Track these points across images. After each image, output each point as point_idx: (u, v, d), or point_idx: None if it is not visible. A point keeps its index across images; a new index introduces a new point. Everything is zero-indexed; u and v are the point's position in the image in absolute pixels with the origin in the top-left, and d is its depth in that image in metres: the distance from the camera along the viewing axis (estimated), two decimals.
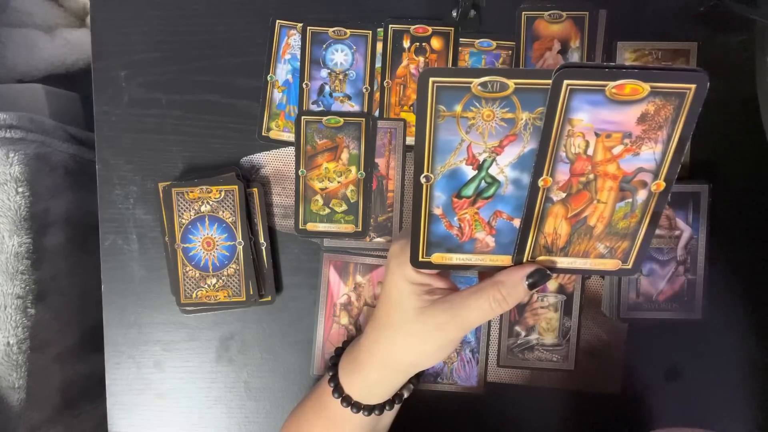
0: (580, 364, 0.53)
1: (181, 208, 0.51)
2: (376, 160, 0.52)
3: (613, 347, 0.53)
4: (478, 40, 0.52)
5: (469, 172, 0.33)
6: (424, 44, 0.52)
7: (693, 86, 0.29)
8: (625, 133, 0.30)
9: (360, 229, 0.52)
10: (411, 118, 0.52)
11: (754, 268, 0.52)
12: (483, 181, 0.33)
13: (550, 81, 0.29)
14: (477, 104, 0.30)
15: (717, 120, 0.50)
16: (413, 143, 0.52)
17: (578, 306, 0.52)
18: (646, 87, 0.29)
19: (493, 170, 0.33)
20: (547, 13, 0.50)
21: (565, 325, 0.52)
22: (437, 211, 0.34)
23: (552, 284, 0.52)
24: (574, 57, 0.51)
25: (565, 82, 0.28)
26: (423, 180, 0.33)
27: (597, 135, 0.30)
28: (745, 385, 0.53)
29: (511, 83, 0.29)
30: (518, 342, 0.53)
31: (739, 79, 0.50)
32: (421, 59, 0.52)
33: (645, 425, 0.53)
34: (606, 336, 0.53)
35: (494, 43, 0.51)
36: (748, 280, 0.52)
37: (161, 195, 0.52)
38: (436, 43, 0.52)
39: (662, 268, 0.51)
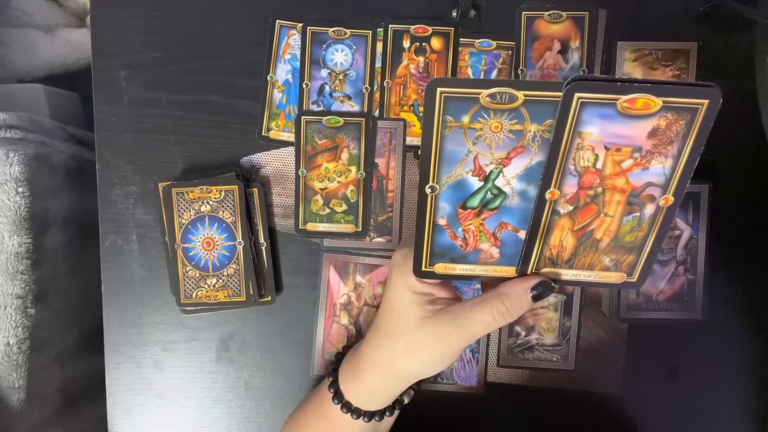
0: (580, 364, 0.53)
1: (181, 208, 0.51)
2: (376, 160, 0.52)
3: (613, 347, 0.53)
4: (478, 40, 0.51)
5: (475, 183, 0.32)
6: (424, 44, 0.52)
7: (706, 102, 0.28)
8: (635, 147, 0.30)
9: (360, 229, 0.52)
10: (411, 118, 0.52)
11: (754, 267, 0.52)
12: (489, 192, 0.33)
13: (560, 93, 0.28)
14: (485, 115, 0.30)
15: (717, 120, 0.50)
16: (413, 144, 0.52)
17: (578, 306, 0.52)
18: (658, 101, 0.28)
19: (500, 182, 0.32)
20: (547, 13, 0.50)
21: (565, 325, 0.52)
22: (441, 222, 0.34)
23: None
24: (574, 57, 0.51)
25: (576, 95, 0.28)
26: (428, 190, 0.33)
27: (607, 148, 0.30)
28: (744, 385, 0.53)
29: (520, 95, 0.29)
30: (518, 342, 0.53)
31: (739, 79, 0.50)
32: (421, 59, 0.52)
33: (645, 425, 0.53)
34: (606, 336, 0.53)
35: (494, 43, 0.51)
36: (748, 280, 0.52)
37: (161, 195, 0.52)
38: (436, 43, 0.52)
39: (662, 268, 0.51)
